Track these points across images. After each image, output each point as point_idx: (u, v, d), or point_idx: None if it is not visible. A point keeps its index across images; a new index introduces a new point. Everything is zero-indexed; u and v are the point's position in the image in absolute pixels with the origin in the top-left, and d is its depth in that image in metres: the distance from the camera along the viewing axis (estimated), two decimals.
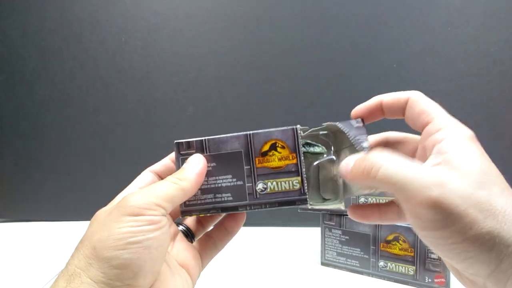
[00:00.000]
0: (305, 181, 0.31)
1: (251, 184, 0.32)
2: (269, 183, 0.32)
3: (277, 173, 0.31)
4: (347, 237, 0.52)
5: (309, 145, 0.33)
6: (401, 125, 0.30)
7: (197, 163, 0.31)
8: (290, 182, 0.31)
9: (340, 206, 0.30)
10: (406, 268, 0.48)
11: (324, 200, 0.31)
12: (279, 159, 0.32)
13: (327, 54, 0.70)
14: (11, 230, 0.74)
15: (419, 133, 0.28)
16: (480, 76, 0.66)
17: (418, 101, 0.27)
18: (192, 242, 0.35)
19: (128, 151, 0.74)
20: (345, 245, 0.52)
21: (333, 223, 0.52)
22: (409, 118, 0.28)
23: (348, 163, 0.27)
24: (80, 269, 0.26)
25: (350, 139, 0.30)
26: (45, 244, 0.66)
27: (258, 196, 0.32)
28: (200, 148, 0.33)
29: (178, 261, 0.32)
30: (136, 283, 0.27)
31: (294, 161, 0.31)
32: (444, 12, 0.66)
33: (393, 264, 0.49)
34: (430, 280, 0.47)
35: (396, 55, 0.68)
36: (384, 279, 0.50)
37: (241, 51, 0.71)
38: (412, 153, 0.30)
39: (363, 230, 0.50)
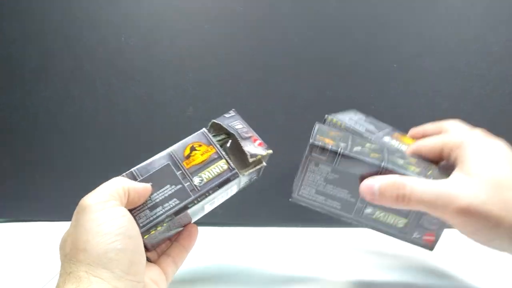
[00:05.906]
0: (229, 160, 0.40)
1: (189, 183, 0.38)
2: (203, 175, 0.38)
3: (205, 164, 0.39)
4: (336, 176, 0.42)
5: (216, 136, 0.44)
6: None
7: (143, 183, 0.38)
8: (218, 166, 0.39)
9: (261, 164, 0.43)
10: (396, 219, 0.42)
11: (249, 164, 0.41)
12: (202, 154, 0.39)
13: (327, 54, 0.70)
14: (11, 230, 0.74)
15: None
16: (480, 76, 0.66)
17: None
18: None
19: (128, 151, 0.74)
20: (330, 184, 0.43)
21: (324, 158, 0.41)
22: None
23: (372, 186, 0.33)
24: (83, 271, 0.27)
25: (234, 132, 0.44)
26: (45, 244, 0.66)
27: (199, 188, 0.38)
28: (133, 178, 0.40)
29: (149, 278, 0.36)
30: (133, 270, 0.29)
31: (214, 150, 0.40)
32: (444, 12, 0.66)
33: (383, 213, 0.42)
34: (418, 236, 0.42)
35: (396, 55, 0.68)
36: (362, 226, 0.44)
37: (241, 51, 0.71)
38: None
39: (361, 171, 0.41)
